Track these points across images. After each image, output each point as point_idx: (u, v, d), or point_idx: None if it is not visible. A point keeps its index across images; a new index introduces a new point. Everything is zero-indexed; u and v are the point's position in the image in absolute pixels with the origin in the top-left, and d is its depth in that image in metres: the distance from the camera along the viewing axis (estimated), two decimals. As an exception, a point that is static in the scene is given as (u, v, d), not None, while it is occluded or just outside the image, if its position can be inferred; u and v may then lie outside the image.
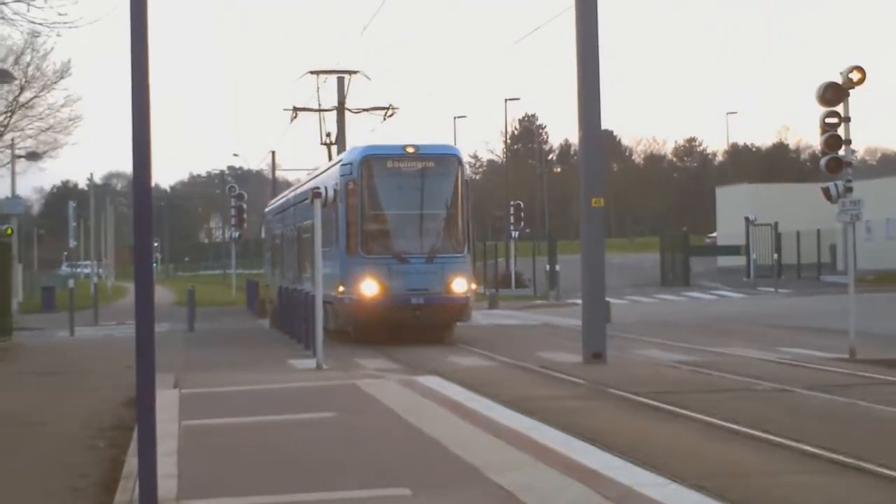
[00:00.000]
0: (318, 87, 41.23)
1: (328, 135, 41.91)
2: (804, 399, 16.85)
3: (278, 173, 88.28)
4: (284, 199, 41.30)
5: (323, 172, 32.29)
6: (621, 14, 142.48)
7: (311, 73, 40.97)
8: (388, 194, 27.87)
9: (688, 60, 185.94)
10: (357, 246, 27.20)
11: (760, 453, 12.48)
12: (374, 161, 27.60)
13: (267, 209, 49.04)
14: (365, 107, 42.42)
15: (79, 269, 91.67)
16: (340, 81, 42.48)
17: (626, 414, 15.81)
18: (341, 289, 27.49)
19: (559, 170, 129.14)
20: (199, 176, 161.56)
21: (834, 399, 16.65)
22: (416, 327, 27.06)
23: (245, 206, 57.03)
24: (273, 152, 75.99)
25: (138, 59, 8.61)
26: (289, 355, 24.98)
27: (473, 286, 28.22)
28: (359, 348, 26.01)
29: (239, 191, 58.21)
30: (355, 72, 41.57)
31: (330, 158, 39.35)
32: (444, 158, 28.03)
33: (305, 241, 32.75)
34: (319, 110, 42.16)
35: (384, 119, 41.50)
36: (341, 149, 40.43)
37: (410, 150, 27.69)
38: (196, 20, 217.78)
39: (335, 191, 25.97)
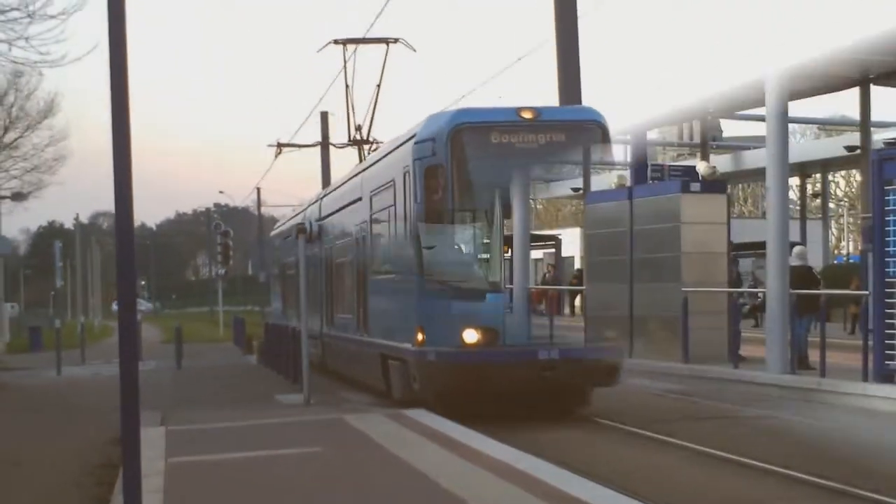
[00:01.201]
0: (344, 62, 31.92)
1: (358, 128, 32.49)
2: (789, 424, 16.94)
3: (264, 209, 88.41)
4: (302, 216, 31.89)
5: (381, 160, 21.34)
6: (603, 36, 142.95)
7: (336, 42, 31.45)
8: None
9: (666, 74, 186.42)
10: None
11: (749, 479, 12.53)
12: (470, 133, 17.61)
13: (273, 233, 42.76)
14: (344, 141, 38.48)
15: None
16: (324, 118, 42.01)
17: (615, 444, 15.81)
18: (420, 337, 18.08)
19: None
20: (184, 214, 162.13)
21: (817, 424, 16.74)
22: (541, 394, 18.14)
23: (231, 242, 57.18)
24: (258, 189, 76.15)
25: (118, 95, 8.63)
26: (276, 390, 24.90)
27: None
28: (347, 382, 25.68)
29: (225, 228, 58.32)
30: (394, 40, 30.40)
31: (362, 160, 30.01)
32: (582, 127, 18.11)
33: (343, 268, 24.62)
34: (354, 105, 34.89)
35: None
36: (326, 184, 39.71)
37: (527, 114, 17.72)
38: (180, 55, 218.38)
39: (405, 185, 18.42)
